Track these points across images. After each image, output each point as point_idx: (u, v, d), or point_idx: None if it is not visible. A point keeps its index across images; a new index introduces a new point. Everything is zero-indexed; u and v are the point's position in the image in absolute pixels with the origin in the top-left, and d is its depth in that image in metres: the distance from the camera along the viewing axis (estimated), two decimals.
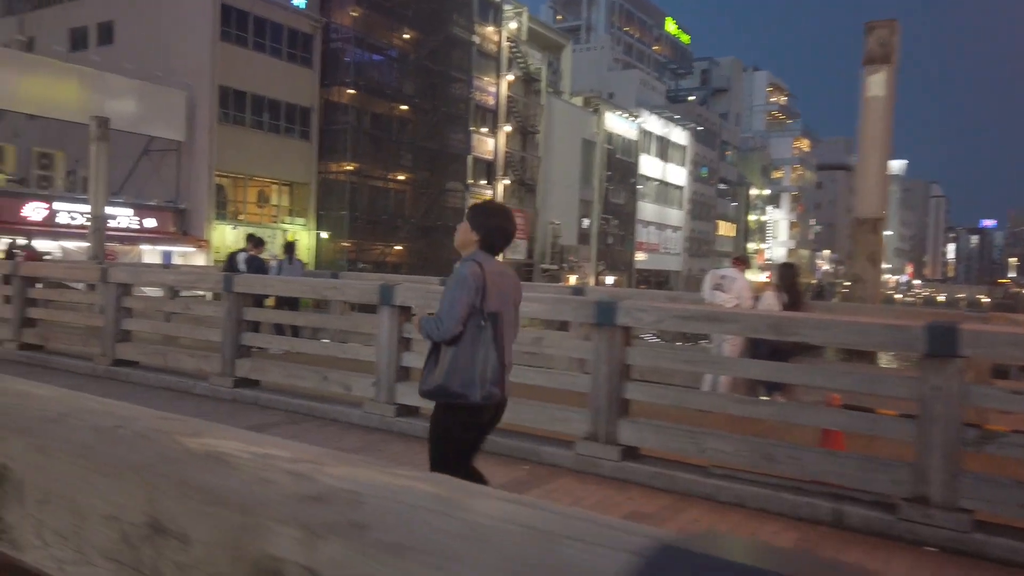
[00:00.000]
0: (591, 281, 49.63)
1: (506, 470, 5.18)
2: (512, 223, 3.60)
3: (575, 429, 5.30)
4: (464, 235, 3.52)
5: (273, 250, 18.98)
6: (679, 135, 62.90)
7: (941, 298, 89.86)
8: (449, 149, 36.38)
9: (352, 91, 31.57)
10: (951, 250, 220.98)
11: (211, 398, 7.23)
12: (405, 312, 6.19)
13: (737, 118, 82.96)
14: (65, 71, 24.61)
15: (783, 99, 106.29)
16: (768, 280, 7.73)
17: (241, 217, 29.65)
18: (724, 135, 73.26)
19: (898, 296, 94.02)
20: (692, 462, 4.91)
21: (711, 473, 4.78)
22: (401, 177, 34.74)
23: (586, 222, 50.35)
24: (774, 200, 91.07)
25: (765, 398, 7.34)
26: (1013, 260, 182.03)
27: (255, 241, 10.80)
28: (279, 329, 9.13)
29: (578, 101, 50.35)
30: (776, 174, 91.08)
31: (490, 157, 40.44)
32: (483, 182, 40.04)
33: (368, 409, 6.27)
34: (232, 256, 10.98)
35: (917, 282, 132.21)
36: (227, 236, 28.47)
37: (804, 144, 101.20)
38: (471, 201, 38.86)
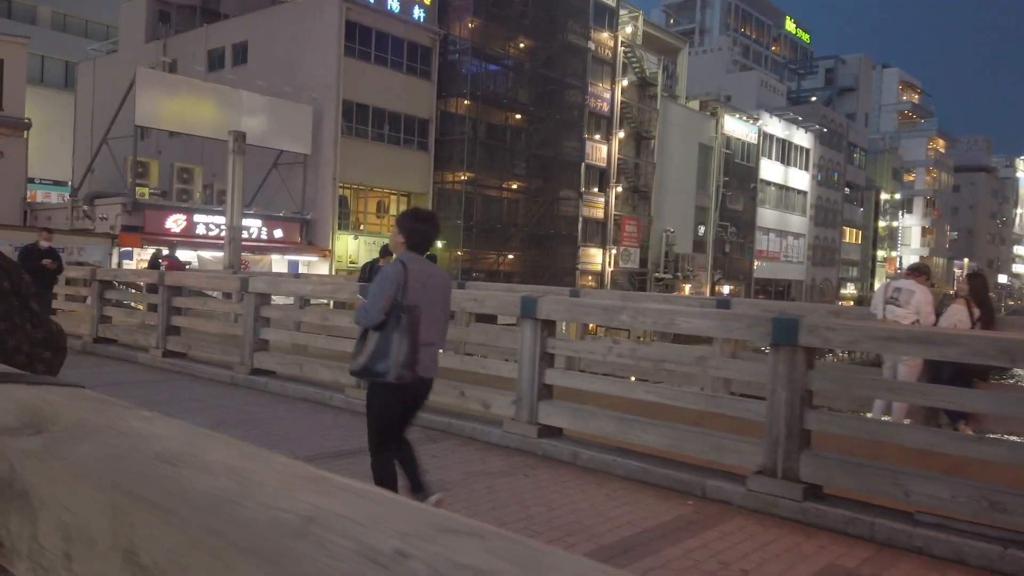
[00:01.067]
0: (706, 291, 47.95)
1: (668, 505, 4.67)
2: (433, 227, 4.13)
3: (747, 461, 4.72)
4: (393, 238, 4.11)
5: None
6: (802, 137, 60.01)
7: None
8: (563, 157, 36.05)
9: (468, 102, 31.80)
10: None
11: (347, 411, 7.09)
12: (549, 326, 5.80)
13: (865, 119, 78.53)
14: (203, 90, 26.00)
15: (915, 97, 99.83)
16: (955, 292, 6.83)
17: (361, 227, 30.40)
18: (851, 136, 69.35)
19: None
20: (891, 506, 4.23)
21: (919, 522, 4.09)
22: (515, 186, 34.68)
23: (702, 229, 48.74)
24: (906, 205, 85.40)
25: (949, 428, 6.47)
26: None
27: (384, 251, 10.76)
28: None
29: (694, 105, 48.93)
30: (908, 177, 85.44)
31: (603, 164, 39.81)
32: (595, 189, 39.46)
33: (508, 428, 5.90)
34: (366, 266, 10.99)
35: None
36: (349, 245, 29.23)
37: (939, 144, 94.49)
38: (585, 209, 38.35)
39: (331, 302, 12.66)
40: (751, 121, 53.07)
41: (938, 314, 6.78)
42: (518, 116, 34.24)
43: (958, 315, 6.55)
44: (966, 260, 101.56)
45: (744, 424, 4.96)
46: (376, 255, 10.99)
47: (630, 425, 5.27)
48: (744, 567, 3.77)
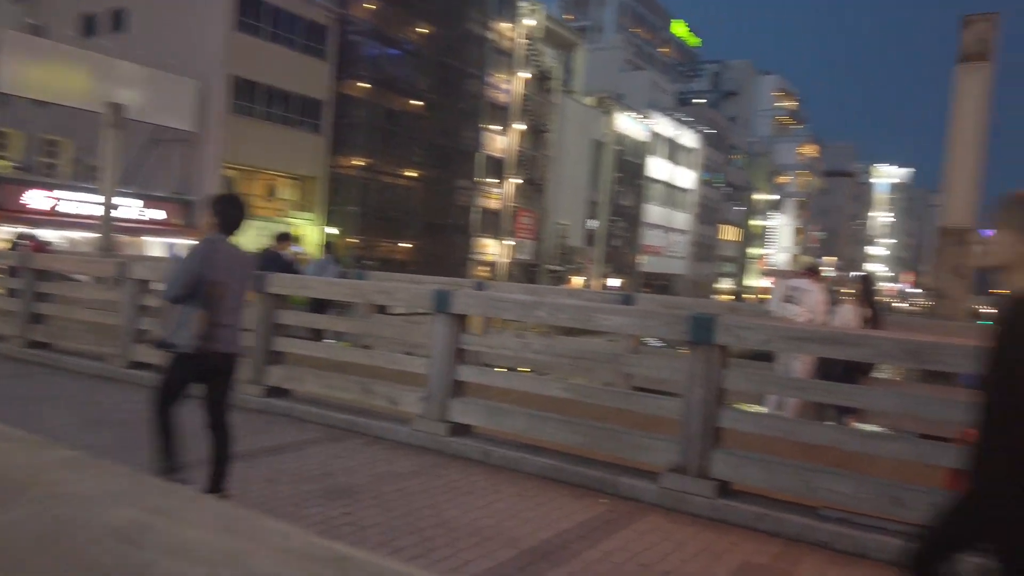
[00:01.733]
0: (595, 283, 49.08)
1: (582, 504, 4.63)
2: (239, 210, 4.35)
3: (660, 459, 4.74)
4: (203, 218, 4.33)
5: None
6: (689, 138, 62.36)
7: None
8: (460, 146, 35.83)
9: (366, 85, 30.99)
10: None
11: (239, 408, 6.65)
12: (462, 321, 5.63)
13: (746, 122, 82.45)
14: (75, 56, 23.99)
15: (791, 104, 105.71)
16: (846, 292, 7.16)
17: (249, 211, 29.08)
18: (732, 139, 72.74)
19: (900, 305, 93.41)
20: (798, 502, 4.35)
21: (824, 517, 4.22)
22: (412, 173, 34.17)
23: (593, 223, 49.80)
24: (779, 205, 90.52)
25: (831, 423, 6.79)
26: None
27: (282, 237, 10.24)
28: (316, 336, 8.59)
29: (590, 101, 49.79)
30: (782, 179, 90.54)
31: (501, 155, 39.88)
32: (493, 180, 39.49)
33: (417, 427, 5.70)
34: (263, 254, 10.41)
35: (915, 290, 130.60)
36: None
37: (811, 150, 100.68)
38: (481, 200, 38.28)
39: None
40: (643, 120, 54.61)
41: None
42: (417, 103, 33.72)
43: (848, 314, 6.88)
44: (830, 258, 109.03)
45: (656, 421, 4.98)
46: (270, 241, 10.44)
47: (544, 422, 5.20)
48: (665, 568, 3.76)
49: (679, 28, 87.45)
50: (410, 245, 34.17)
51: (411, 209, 33.81)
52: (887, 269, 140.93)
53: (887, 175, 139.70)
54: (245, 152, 27.55)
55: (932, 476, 4.68)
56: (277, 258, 10.08)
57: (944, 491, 4.21)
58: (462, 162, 36.02)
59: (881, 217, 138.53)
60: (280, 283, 6.70)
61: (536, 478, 5.06)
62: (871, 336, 4.04)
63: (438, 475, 5.06)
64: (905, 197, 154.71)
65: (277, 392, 6.66)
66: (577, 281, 46.54)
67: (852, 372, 6.54)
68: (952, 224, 7.31)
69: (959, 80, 7.14)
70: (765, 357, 7.21)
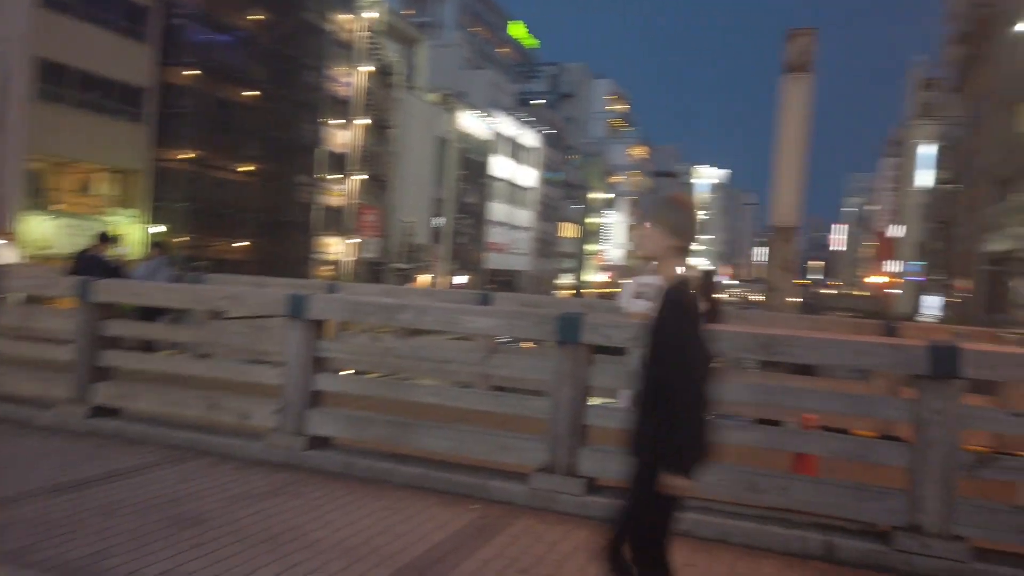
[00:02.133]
0: (441, 282, 49.09)
1: (453, 512, 4.51)
2: None
3: (529, 459, 4.72)
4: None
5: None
6: (530, 137, 63.86)
7: (758, 298, 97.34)
8: (299, 140, 34.48)
9: (194, 72, 28.98)
10: (761, 253, 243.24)
11: (61, 431, 5.93)
12: (319, 327, 5.33)
13: (582, 124, 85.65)
14: None
15: (622, 107, 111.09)
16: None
17: (59, 207, 26.29)
18: (570, 139, 75.34)
19: (725, 296, 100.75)
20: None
21: (686, 506, 4.37)
22: (247, 168, 32.42)
23: (439, 221, 49.76)
24: (613, 204, 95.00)
25: None
26: (816, 264, 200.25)
27: (102, 238, 9.27)
28: (149, 347, 7.83)
29: (433, 98, 49.65)
30: (615, 179, 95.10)
31: (343, 150, 38.81)
32: (335, 176, 38.35)
33: (272, 441, 5.33)
34: (82, 256, 9.36)
35: (733, 282, 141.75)
36: (43, 228, 25.15)
37: (641, 151, 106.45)
38: (323, 196, 37.05)
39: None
40: (485, 118, 55.23)
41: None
42: (252, 93, 32.00)
43: None
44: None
45: (523, 421, 4.96)
46: (89, 242, 9.44)
47: (410, 429, 5.03)
48: (544, 572, 3.73)
49: (517, 29, 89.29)
50: (246, 244, 32.43)
51: (247, 206, 32.08)
52: (709, 263, 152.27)
53: (707, 176, 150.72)
54: (54, 143, 24.88)
55: (778, 460, 5.01)
56: (98, 261, 9.14)
57: (792, 474, 4.51)
58: (302, 157, 34.67)
59: (702, 215, 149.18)
60: (108, 290, 6.03)
61: (404, 488, 4.88)
62: (728, 331, 4.24)
63: (298, 493, 4.75)
64: (723, 196, 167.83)
65: (105, 412, 5.99)
66: (424, 279, 46.30)
67: None
68: (780, 223, 7.91)
69: (784, 89, 7.75)
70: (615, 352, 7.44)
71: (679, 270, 2.58)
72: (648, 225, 2.57)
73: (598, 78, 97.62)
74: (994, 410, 4.64)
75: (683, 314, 2.50)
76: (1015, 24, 32.20)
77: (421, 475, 4.88)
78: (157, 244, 10.31)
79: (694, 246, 2.70)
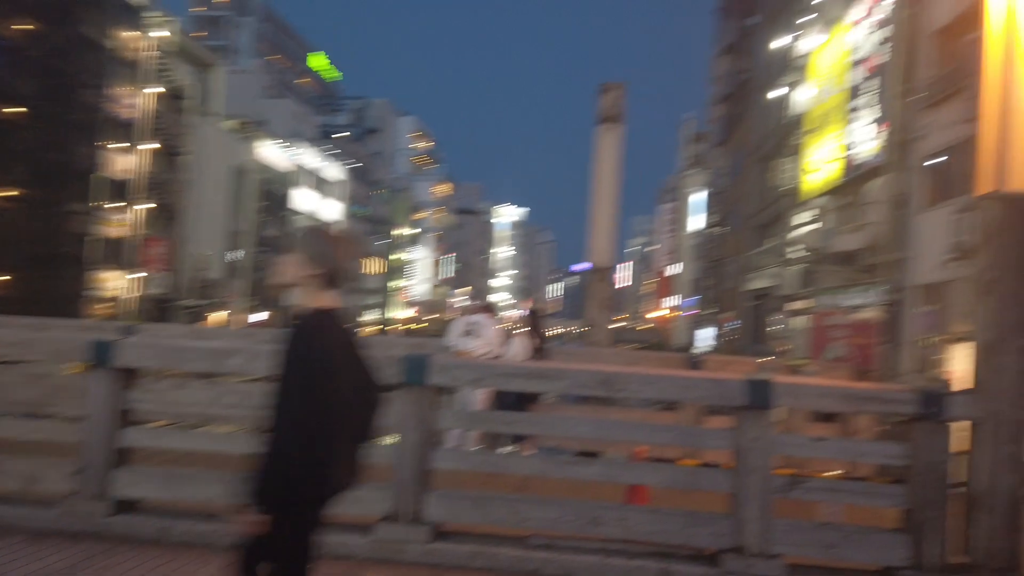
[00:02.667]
0: (238, 320, 46.31)
1: None
2: None
3: (371, 509, 4.53)
4: None
5: None
6: (334, 171, 62.66)
7: (559, 331, 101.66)
8: (74, 164, 31.13)
9: None
10: (557, 288, 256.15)
11: None
12: (129, 375, 4.78)
13: (388, 159, 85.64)
14: None
15: (427, 144, 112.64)
16: (515, 324, 7.72)
17: None
18: (377, 174, 74.94)
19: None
20: (511, 534, 4.51)
21: (532, 545, 4.43)
22: (9, 193, 28.63)
23: (236, 254, 47.04)
24: (418, 240, 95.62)
25: (510, 448, 7.27)
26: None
27: None
28: None
29: (231, 126, 47.18)
30: (419, 215, 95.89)
31: (125, 177, 35.58)
32: (118, 204, 35.00)
33: (70, 508, 4.67)
34: None
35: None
36: None
37: (446, 188, 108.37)
38: (99, 227, 33.63)
39: None
40: (288, 149, 53.40)
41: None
42: (17, 109, 28.42)
43: (520, 346, 7.43)
44: (468, 287, 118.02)
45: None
46: None
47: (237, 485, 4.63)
48: None
49: (318, 60, 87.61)
50: (5, 279, 28.51)
51: (10, 236, 28.26)
52: (510, 298, 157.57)
53: (507, 214, 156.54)
54: None
55: (617, 493, 5.23)
56: None
57: (629, 505, 4.72)
58: (76, 182, 31.29)
59: (503, 251, 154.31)
60: None
61: (232, 552, 4.48)
62: (570, 369, 4.40)
63: (105, 567, 4.19)
64: (521, 233, 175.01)
65: None
66: (219, 317, 43.39)
67: (523, 401, 7.08)
68: (598, 264, 8.39)
69: (598, 139, 8.30)
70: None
71: (320, 300, 2.55)
72: (289, 254, 2.61)
73: (403, 115, 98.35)
74: (801, 437, 5.20)
75: (311, 345, 2.43)
76: (767, 90, 37.06)
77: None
78: None
79: (342, 279, 2.64)
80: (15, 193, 28.77)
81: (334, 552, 4.47)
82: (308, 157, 57.23)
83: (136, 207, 36.33)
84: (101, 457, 4.69)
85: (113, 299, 34.51)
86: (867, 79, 22.21)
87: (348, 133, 77.81)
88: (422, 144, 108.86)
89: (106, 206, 33.89)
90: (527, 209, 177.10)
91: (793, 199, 28.93)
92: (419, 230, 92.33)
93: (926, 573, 3.93)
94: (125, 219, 35.62)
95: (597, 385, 4.33)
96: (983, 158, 4.07)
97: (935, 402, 3.89)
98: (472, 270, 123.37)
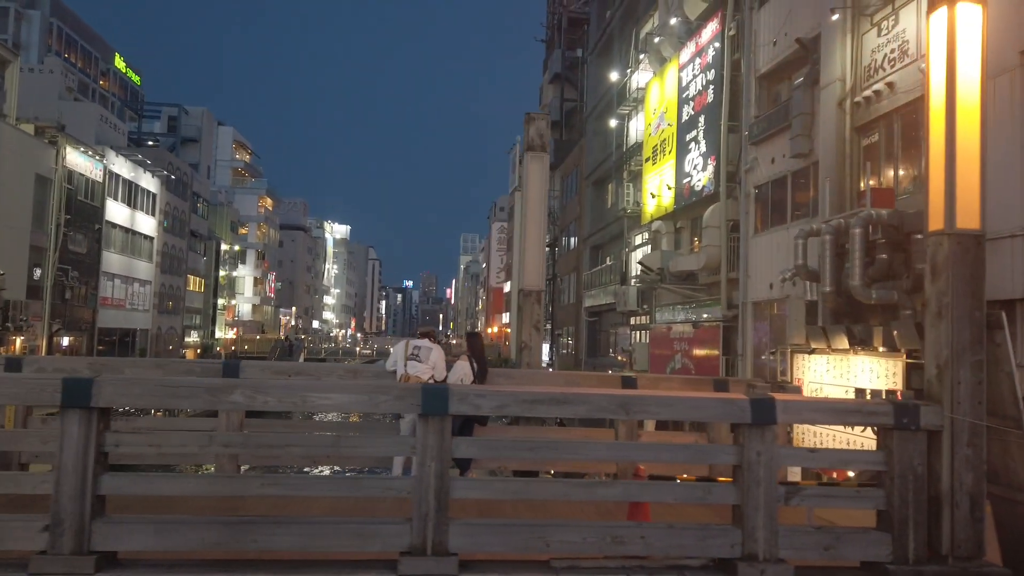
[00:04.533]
0: (42, 344, 41.45)
1: None
2: None
3: (393, 544, 4.42)
4: None
5: None
6: (148, 181, 58.01)
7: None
8: None
9: None
10: (383, 307, 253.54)
11: None
12: (106, 416, 4.32)
13: (208, 171, 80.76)
14: None
15: (247, 156, 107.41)
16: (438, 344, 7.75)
17: None
18: (195, 186, 70.28)
19: (360, 348, 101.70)
20: (533, 559, 4.58)
21: (556, 568, 4.54)
22: None
23: (38, 272, 42.08)
24: (241, 256, 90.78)
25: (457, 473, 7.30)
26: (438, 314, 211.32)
27: None
28: None
29: (28, 129, 42.33)
30: (243, 230, 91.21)
31: None
32: None
33: (41, 568, 4.13)
34: None
35: (359, 335, 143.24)
36: None
37: (268, 203, 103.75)
38: None
39: None
40: (97, 157, 48.73)
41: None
42: None
43: (464, 369, 7.46)
44: (293, 308, 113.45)
45: (383, 503, 4.62)
46: None
47: (242, 530, 4.33)
48: None
49: (121, 61, 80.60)
50: None
51: None
52: (335, 318, 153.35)
53: (333, 231, 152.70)
54: None
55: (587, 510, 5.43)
56: None
57: (653, 524, 4.95)
58: None
59: (330, 269, 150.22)
60: None
61: None
62: (590, 395, 4.57)
63: None
64: (346, 251, 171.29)
65: None
66: (18, 342, 38.55)
67: (470, 424, 7.14)
68: (529, 287, 8.61)
69: (527, 167, 8.55)
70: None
71: None
72: None
73: (220, 125, 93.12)
74: (799, 449, 5.71)
75: None
76: (599, 119, 39.41)
77: None
78: None
79: None
80: None
81: None
82: (121, 166, 52.63)
83: None
84: (77, 508, 4.20)
85: None
86: (696, 115, 24.38)
87: (157, 143, 72.40)
88: (242, 156, 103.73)
89: None
90: (348, 227, 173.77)
91: (631, 221, 30.94)
92: (237, 247, 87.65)
93: (909, 566, 4.52)
94: None
95: (617, 408, 4.54)
96: (933, 200, 4.79)
97: (909, 413, 4.50)
98: (299, 288, 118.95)
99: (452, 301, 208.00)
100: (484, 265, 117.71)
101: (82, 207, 46.29)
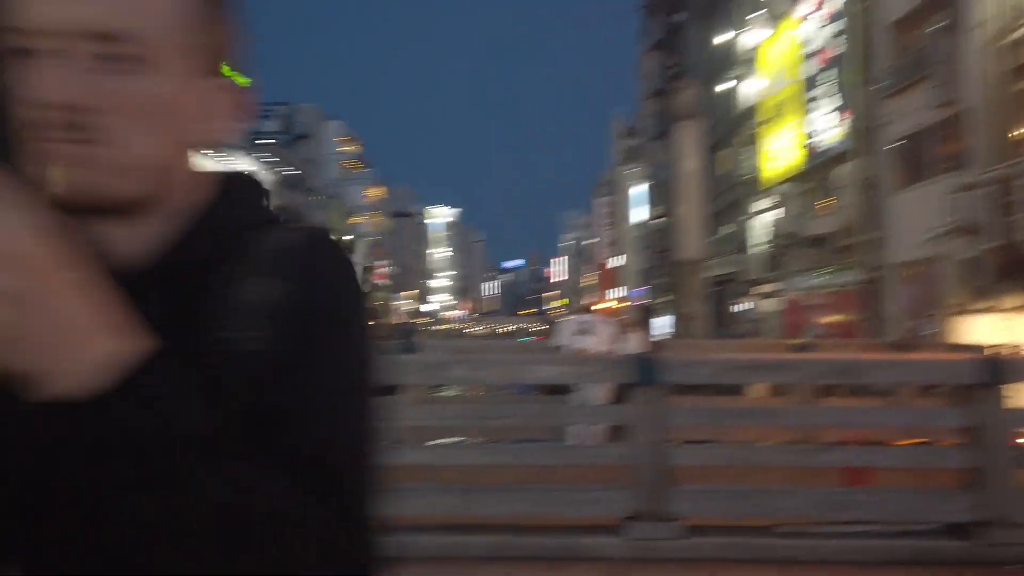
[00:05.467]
0: None
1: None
2: None
3: (616, 510, 4.56)
4: None
5: None
6: (267, 179, 61.15)
7: (504, 329, 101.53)
8: None
9: None
10: (492, 287, 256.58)
11: None
12: None
13: (319, 165, 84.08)
14: None
15: (355, 148, 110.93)
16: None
17: None
18: (310, 181, 73.42)
19: (473, 330, 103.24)
20: (755, 524, 4.61)
21: (781, 533, 4.54)
22: None
23: None
24: (355, 246, 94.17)
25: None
26: (550, 294, 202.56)
27: None
28: None
29: None
30: (354, 220, 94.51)
31: None
32: None
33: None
34: None
35: (473, 315, 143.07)
36: None
37: (379, 192, 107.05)
38: None
39: None
40: (223, 158, 51.81)
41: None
42: None
43: (636, 340, 7.53)
44: (413, 291, 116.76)
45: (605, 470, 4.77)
46: None
47: (473, 497, 4.58)
48: None
49: (224, 67, 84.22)
50: None
51: None
52: (450, 298, 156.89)
53: (441, 215, 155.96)
54: None
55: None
56: None
57: (866, 488, 4.88)
58: None
59: (439, 253, 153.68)
60: None
61: (477, 560, 4.42)
62: (805, 360, 4.53)
63: None
64: (455, 234, 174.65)
65: None
66: None
67: None
68: (689, 256, 8.55)
69: (678, 136, 8.45)
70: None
71: None
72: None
73: (329, 120, 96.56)
74: None
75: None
76: (712, 84, 37.98)
77: (502, 543, 4.47)
78: None
79: None
80: None
81: (587, 555, 4.50)
82: (245, 164, 55.67)
83: None
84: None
85: None
86: (822, 70, 23.20)
87: (274, 141, 75.89)
88: (350, 148, 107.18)
89: None
90: (459, 209, 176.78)
91: (750, 187, 29.92)
92: (351, 237, 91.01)
93: None
94: None
95: (838, 374, 4.48)
96: None
97: None
98: (411, 273, 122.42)
99: (552, 279, 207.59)
100: (590, 241, 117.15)
101: None
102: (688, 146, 8.66)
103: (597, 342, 7.53)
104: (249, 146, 64.20)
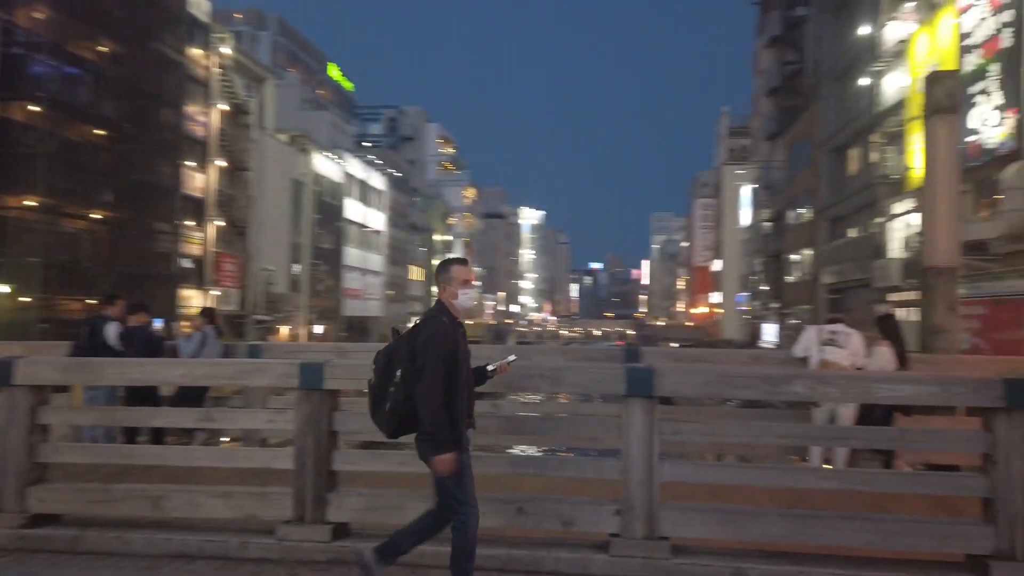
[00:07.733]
0: (302, 333, 46.12)
1: None
2: None
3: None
4: None
5: None
6: (377, 180, 62.49)
7: (597, 332, 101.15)
8: (158, 184, 30.97)
9: (37, 108, 25.10)
10: (574, 290, 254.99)
11: None
12: (335, 397, 4.62)
13: (421, 167, 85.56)
14: None
15: (451, 150, 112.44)
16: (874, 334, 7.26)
17: None
18: (413, 181, 74.75)
19: (569, 332, 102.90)
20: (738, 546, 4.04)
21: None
22: (101, 215, 28.47)
23: (296, 267, 46.86)
24: (451, 246, 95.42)
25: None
26: (643, 297, 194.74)
27: (111, 299, 7.26)
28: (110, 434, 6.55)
29: (284, 139, 47.04)
30: (451, 220, 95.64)
31: (200, 195, 35.43)
32: (191, 222, 34.85)
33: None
34: (89, 323, 7.29)
35: (552, 318, 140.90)
36: None
37: (471, 193, 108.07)
38: (182, 245, 33.48)
39: None
40: (337, 160, 53.22)
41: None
42: (104, 132, 28.27)
43: (887, 356, 6.99)
44: (497, 293, 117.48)
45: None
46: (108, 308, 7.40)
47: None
48: None
49: (334, 71, 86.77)
50: (94, 301, 28.33)
51: (101, 257, 28.09)
52: (533, 301, 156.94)
53: (529, 217, 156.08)
54: None
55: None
56: (139, 334, 7.22)
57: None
58: (161, 202, 31.13)
59: (527, 254, 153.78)
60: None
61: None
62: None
63: None
64: (540, 236, 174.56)
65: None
66: (284, 331, 43.23)
67: (891, 414, 6.62)
68: (941, 263, 7.93)
69: (931, 131, 7.85)
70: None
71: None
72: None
73: (427, 122, 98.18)
74: None
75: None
76: (846, 79, 36.17)
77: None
78: (205, 312, 8.37)
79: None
80: (103, 215, 28.61)
81: (567, 571, 4.13)
82: (355, 167, 57.08)
83: (210, 224, 36.18)
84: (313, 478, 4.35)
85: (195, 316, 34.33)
86: (985, 64, 21.65)
87: (379, 143, 77.63)
88: (446, 150, 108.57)
89: (185, 224, 33.75)
90: (543, 212, 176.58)
91: (889, 188, 28.32)
92: (449, 237, 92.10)
93: None
94: (201, 237, 35.48)
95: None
96: None
97: None
98: (499, 274, 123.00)
99: (642, 282, 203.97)
100: (685, 244, 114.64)
101: (327, 207, 50.82)
102: (941, 142, 7.99)
103: (847, 355, 7.01)
104: (355, 148, 65.91)
